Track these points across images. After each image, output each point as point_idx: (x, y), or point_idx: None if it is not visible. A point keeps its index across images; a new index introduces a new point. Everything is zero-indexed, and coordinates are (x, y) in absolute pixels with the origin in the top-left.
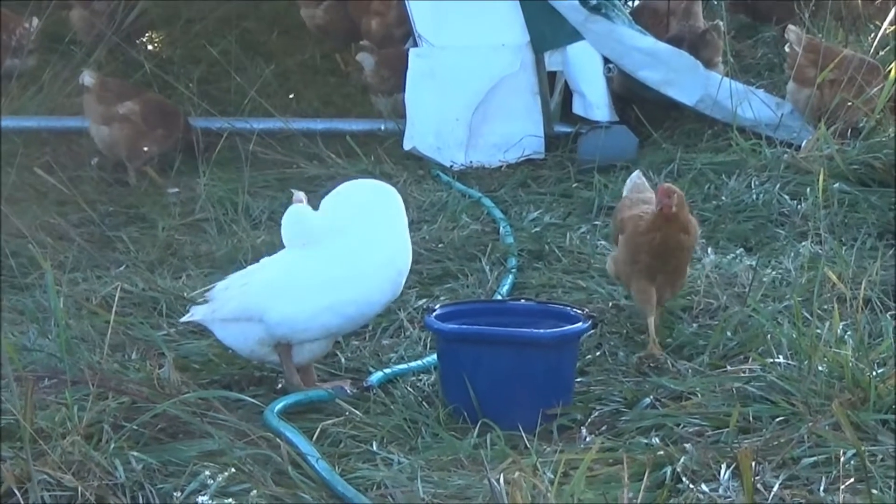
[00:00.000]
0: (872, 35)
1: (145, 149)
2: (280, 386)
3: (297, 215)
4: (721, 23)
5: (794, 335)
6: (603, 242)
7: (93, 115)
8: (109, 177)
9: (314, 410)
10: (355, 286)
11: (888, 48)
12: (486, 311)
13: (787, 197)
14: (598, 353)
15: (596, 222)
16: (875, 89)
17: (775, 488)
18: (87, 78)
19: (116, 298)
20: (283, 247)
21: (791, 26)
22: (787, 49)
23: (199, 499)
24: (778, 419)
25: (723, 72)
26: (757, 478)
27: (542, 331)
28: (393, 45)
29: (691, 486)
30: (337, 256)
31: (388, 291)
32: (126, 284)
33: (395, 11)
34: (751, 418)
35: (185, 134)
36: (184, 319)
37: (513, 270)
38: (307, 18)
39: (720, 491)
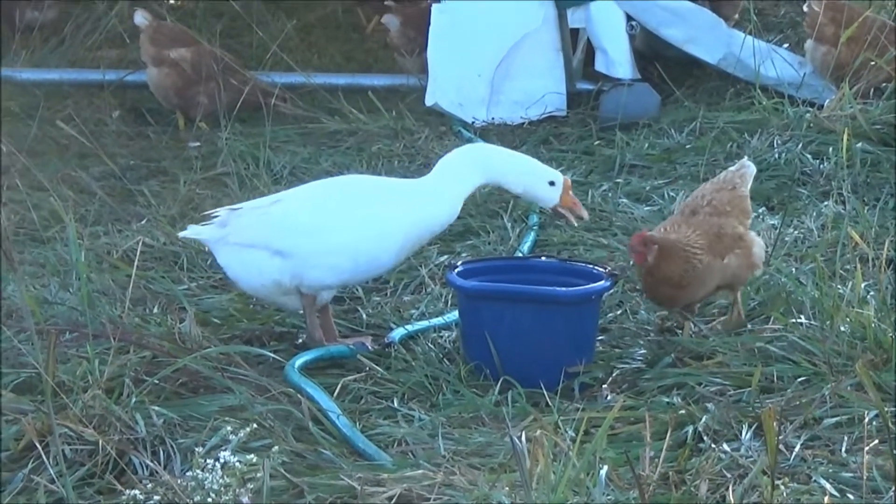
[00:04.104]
0: None
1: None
2: (301, 341)
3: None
4: None
5: (816, 295)
6: (624, 200)
7: (145, 55)
8: (131, 130)
9: (335, 366)
10: (373, 235)
11: None
12: (508, 268)
13: (809, 156)
14: (619, 312)
15: (618, 180)
16: None
17: (797, 448)
18: (140, 17)
19: (138, 252)
20: None
21: None
22: (805, 9)
23: (220, 454)
24: (800, 379)
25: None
26: (779, 438)
27: (564, 289)
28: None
29: (713, 445)
30: (360, 201)
31: (403, 252)
32: (147, 238)
33: None
34: (773, 378)
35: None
36: (182, 235)
37: (534, 227)
38: None
39: (742, 450)
